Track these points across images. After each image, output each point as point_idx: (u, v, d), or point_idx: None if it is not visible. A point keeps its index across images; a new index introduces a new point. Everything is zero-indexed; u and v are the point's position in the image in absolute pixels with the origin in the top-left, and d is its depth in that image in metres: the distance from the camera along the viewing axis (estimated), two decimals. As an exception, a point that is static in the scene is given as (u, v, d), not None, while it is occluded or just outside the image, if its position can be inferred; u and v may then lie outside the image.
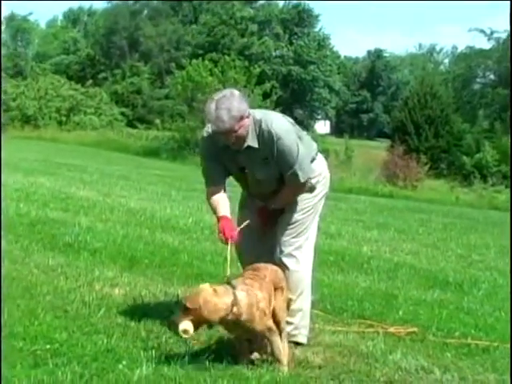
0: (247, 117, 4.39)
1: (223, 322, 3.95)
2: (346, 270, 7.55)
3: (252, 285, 4.06)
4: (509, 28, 60.15)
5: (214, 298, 3.87)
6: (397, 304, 6.17)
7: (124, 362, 3.94)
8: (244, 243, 4.66)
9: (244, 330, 4.05)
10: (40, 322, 4.51)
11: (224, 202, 4.60)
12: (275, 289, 4.21)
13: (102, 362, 3.94)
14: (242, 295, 3.95)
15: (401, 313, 5.85)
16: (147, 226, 8.98)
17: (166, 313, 4.89)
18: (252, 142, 4.45)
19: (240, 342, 4.23)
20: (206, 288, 3.93)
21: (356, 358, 4.51)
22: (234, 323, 3.96)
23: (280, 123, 4.49)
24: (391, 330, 5.25)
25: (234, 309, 3.91)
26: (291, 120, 4.74)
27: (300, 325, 4.65)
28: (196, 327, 3.88)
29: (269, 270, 4.29)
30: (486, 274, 8.58)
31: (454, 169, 37.49)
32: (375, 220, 13.59)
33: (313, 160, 4.67)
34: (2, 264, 5.65)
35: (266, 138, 4.42)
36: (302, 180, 4.48)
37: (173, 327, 4.25)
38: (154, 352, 4.17)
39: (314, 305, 4.90)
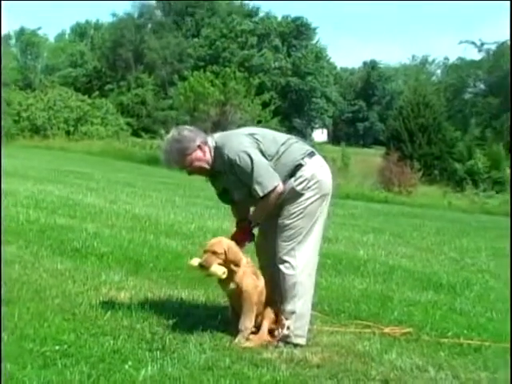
0: (198, 149, 4.60)
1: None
2: (343, 273, 7.54)
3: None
4: (499, 39, 60.16)
5: (234, 245, 4.59)
6: (392, 305, 6.17)
7: (130, 363, 3.95)
8: (260, 244, 4.91)
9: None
10: (49, 324, 4.52)
11: (242, 212, 4.89)
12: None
13: (108, 362, 3.95)
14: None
15: (396, 314, 5.84)
16: (152, 231, 8.98)
17: (171, 315, 4.91)
18: (218, 166, 4.63)
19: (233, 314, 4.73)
20: (225, 238, 4.64)
21: (353, 357, 4.51)
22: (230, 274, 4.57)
23: (233, 145, 4.59)
24: (387, 330, 5.25)
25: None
26: (265, 134, 4.77)
27: (294, 327, 4.65)
28: None
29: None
30: (478, 276, 8.57)
31: (446, 175, 37.37)
32: (371, 224, 13.58)
33: (298, 166, 4.63)
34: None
35: (226, 163, 4.58)
36: (261, 194, 4.51)
37: (204, 270, 4.58)
38: (158, 353, 4.18)
39: (312, 306, 4.90)
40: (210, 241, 4.66)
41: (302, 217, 4.62)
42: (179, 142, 4.59)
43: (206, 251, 4.56)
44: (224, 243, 4.57)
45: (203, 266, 4.52)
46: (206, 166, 4.64)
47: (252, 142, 4.60)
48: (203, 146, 4.60)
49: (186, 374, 3.88)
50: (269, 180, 4.50)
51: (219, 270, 4.49)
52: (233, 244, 4.60)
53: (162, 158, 4.72)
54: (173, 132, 4.71)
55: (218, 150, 4.61)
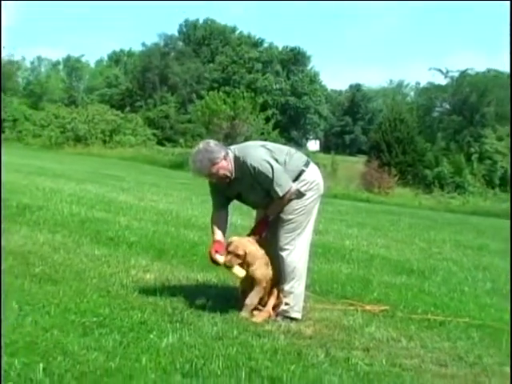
0: (224, 159, 4.53)
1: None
2: (331, 260, 7.54)
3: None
4: (460, 68, 59.96)
5: (252, 246, 4.57)
6: (372, 287, 6.17)
7: (154, 333, 3.95)
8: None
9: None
10: (88, 299, 4.53)
11: (221, 227, 4.75)
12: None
13: (136, 332, 3.95)
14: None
15: (375, 294, 5.84)
16: (173, 224, 8.99)
17: (188, 293, 4.91)
18: (237, 174, 4.59)
19: (243, 294, 4.70)
20: (244, 241, 4.59)
21: (339, 330, 4.52)
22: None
23: (254, 155, 4.57)
24: (367, 307, 5.25)
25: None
26: (273, 146, 4.78)
27: (292, 303, 4.66)
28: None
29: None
30: (443, 263, 8.57)
31: (417, 179, 37.17)
32: (355, 220, 13.58)
33: (301, 172, 4.67)
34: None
35: (246, 170, 4.54)
36: (281, 194, 4.52)
37: (228, 268, 4.62)
38: (178, 324, 4.18)
39: (306, 288, 4.90)
40: (233, 242, 4.60)
41: (303, 213, 4.65)
42: (209, 152, 4.52)
43: (229, 252, 4.56)
44: (244, 247, 4.55)
45: (227, 266, 4.58)
46: (229, 174, 4.59)
47: (267, 152, 4.61)
48: (227, 156, 4.58)
49: (200, 342, 3.88)
50: (286, 182, 4.53)
51: (240, 273, 4.57)
52: (252, 248, 4.57)
53: (193, 167, 4.59)
54: (202, 144, 4.64)
55: (237, 160, 4.58)
